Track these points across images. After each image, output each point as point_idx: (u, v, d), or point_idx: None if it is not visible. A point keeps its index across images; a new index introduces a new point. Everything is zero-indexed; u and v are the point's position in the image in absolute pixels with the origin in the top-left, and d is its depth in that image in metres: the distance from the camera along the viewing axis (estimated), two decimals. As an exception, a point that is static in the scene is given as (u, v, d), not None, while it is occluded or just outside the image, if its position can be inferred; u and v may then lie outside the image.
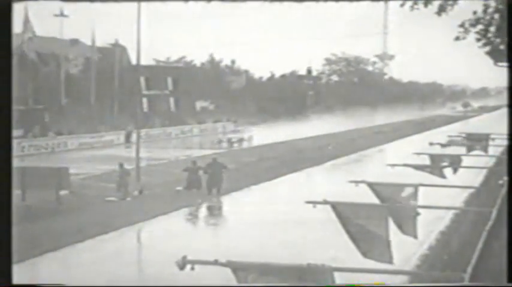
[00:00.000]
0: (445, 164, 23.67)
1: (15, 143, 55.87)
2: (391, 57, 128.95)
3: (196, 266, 9.39)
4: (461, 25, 14.68)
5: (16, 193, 32.32)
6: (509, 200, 9.38)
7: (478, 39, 15.26)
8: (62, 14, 69.54)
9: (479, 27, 14.92)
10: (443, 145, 26.29)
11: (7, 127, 9.27)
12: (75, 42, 74.45)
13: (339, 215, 14.07)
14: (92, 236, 25.69)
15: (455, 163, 24.40)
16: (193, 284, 15.66)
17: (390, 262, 13.70)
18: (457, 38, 14.91)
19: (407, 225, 14.90)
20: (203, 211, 32.54)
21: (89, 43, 74.55)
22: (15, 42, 66.11)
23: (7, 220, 9.27)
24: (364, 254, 13.77)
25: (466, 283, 9.50)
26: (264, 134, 73.70)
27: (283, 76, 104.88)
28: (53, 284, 15.73)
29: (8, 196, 9.30)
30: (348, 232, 13.77)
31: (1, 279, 9.17)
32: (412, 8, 14.08)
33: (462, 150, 29.46)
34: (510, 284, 8.91)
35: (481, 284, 9.26)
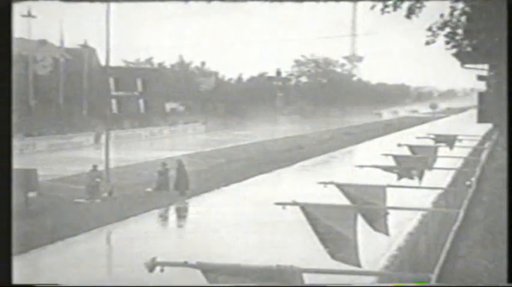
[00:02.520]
0: (412, 165, 23.81)
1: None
2: (360, 59, 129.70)
3: (166, 268, 9.41)
4: (429, 29, 14.81)
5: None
6: (509, 200, 9.47)
7: (447, 42, 15.42)
8: (29, 15, 69.11)
9: (447, 30, 15.08)
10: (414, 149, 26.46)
11: (7, 127, 9.26)
12: (43, 43, 73.99)
13: (308, 216, 14.12)
14: (62, 238, 25.57)
15: (421, 164, 24.56)
16: (165, 285, 15.69)
17: (358, 265, 13.78)
18: (427, 43, 15.04)
19: (378, 223, 15.03)
20: (172, 213, 32.54)
21: (57, 44, 74.20)
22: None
23: (7, 220, 9.24)
24: (332, 256, 13.85)
25: (466, 283, 9.60)
26: (234, 135, 73.86)
27: (252, 78, 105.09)
28: (53, 284, 15.68)
29: (8, 195, 9.28)
30: (317, 233, 13.83)
31: (1, 279, 9.14)
32: (382, 11, 14.18)
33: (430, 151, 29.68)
34: (510, 285, 9.01)
35: (481, 284, 9.36)
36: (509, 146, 9.98)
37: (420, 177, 23.09)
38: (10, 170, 9.50)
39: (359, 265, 13.76)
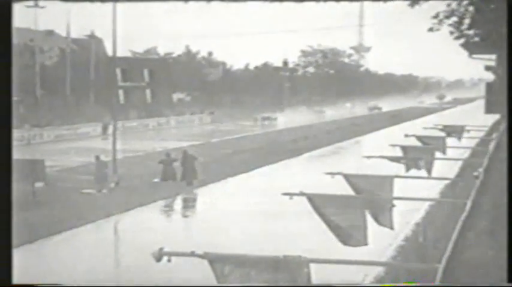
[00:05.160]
0: (419, 156, 23.74)
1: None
2: (367, 49, 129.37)
3: (173, 258, 9.41)
4: (435, 16, 14.71)
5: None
6: (509, 200, 9.45)
7: (452, 32, 15.32)
8: (36, 5, 69.08)
9: (454, 19, 14.98)
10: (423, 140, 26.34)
11: (7, 123, 9.24)
12: (50, 33, 73.98)
13: (315, 206, 14.12)
14: (69, 229, 25.62)
15: (429, 155, 24.50)
16: (170, 276, 15.69)
17: (366, 243, 13.88)
18: (431, 29, 14.94)
19: (383, 216, 14.98)
20: (179, 203, 32.56)
21: (64, 34, 74.19)
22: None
23: (7, 220, 9.22)
24: (344, 243, 13.91)
25: (466, 283, 9.59)
26: (241, 125, 73.84)
27: (259, 68, 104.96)
28: (53, 284, 15.70)
29: (7, 195, 9.26)
30: (326, 222, 13.85)
31: (1, 279, 9.13)
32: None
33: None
34: (510, 284, 8.98)
35: (481, 284, 9.34)
36: (509, 146, 9.98)
37: (428, 168, 23.03)
38: (10, 171, 9.47)
39: (366, 244, 13.83)
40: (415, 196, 19.57)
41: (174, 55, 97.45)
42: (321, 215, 13.96)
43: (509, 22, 9.51)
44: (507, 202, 9.42)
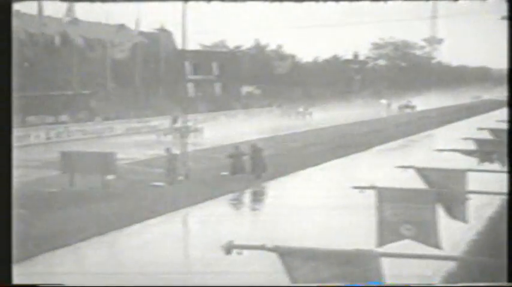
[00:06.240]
0: (493, 149, 23.28)
1: (62, 127, 56.49)
2: (440, 41, 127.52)
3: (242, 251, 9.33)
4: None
5: (64, 177, 32.68)
6: (509, 201, 9.27)
7: None
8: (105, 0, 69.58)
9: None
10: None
11: (7, 126, 9.28)
12: (121, 27, 74.69)
13: (386, 200, 13.94)
14: (139, 221, 25.81)
15: (502, 148, 23.99)
16: (240, 270, 15.64)
17: (437, 246, 13.57)
18: (503, 18, 14.56)
19: (456, 209, 14.71)
20: (248, 196, 32.54)
21: (134, 28, 74.80)
22: (56, 27, 66.72)
23: (7, 221, 9.27)
24: (413, 238, 13.68)
25: (466, 283, 9.37)
26: (310, 118, 73.61)
27: (328, 61, 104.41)
28: (53, 284, 15.82)
29: (8, 196, 9.31)
30: (396, 216, 13.65)
31: (1, 279, 9.19)
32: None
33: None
34: (510, 284, 8.78)
35: (481, 284, 9.12)
36: (510, 146, 9.79)
37: (502, 161, 22.56)
38: (10, 170, 9.49)
39: (439, 247, 13.54)
40: (488, 190, 19.18)
41: (243, 48, 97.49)
42: (392, 209, 13.77)
43: (509, 22, 9.32)
44: (507, 201, 9.27)
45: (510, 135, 9.93)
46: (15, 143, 40.64)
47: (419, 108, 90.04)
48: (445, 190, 14.97)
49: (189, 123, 60.59)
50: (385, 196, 13.99)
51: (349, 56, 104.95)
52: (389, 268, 9.08)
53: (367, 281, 8.66)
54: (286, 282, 9.16)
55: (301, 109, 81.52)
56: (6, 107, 9.11)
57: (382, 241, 13.98)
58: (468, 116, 75.96)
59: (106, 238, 23.49)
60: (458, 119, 74.03)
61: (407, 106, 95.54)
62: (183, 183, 33.99)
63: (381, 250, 8.99)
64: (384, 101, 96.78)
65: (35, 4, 64.79)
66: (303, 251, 8.86)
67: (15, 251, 20.50)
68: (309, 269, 8.71)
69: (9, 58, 9.09)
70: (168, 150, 35.13)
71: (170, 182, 33.43)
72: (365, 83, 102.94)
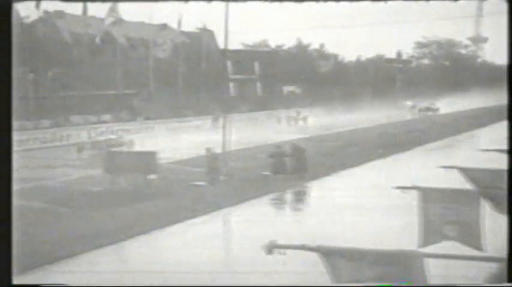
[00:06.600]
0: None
1: (104, 127, 56.90)
2: (485, 39, 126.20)
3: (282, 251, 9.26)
4: None
5: (106, 177, 32.90)
6: (509, 201, 9.11)
7: None
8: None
9: None
10: None
11: (7, 128, 9.28)
12: (163, 27, 75.07)
13: (429, 201, 13.79)
14: (181, 220, 25.85)
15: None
16: (281, 269, 15.57)
17: (480, 248, 13.39)
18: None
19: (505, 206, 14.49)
20: (289, 196, 32.46)
21: (176, 28, 75.11)
22: (100, 27, 67.16)
23: (7, 221, 9.26)
24: (455, 239, 13.52)
25: (466, 283, 9.22)
26: (352, 118, 73.29)
27: (371, 60, 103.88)
28: (54, 284, 15.85)
29: (8, 197, 9.30)
30: (439, 217, 13.50)
31: (1, 279, 9.19)
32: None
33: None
34: (510, 284, 8.63)
35: (481, 284, 8.95)
36: (510, 146, 9.65)
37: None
38: (10, 171, 9.48)
39: (481, 249, 13.37)
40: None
41: (285, 47, 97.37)
42: (434, 209, 13.64)
43: (509, 22, 9.18)
44: (507, 201, 9.12)
45: (510, 134, 9.80)
46: (58, 142, 41.12)
47: (464, 107, 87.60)
48: (487, 190, 14.78)
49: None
50: (429, 197, 13.83)
51: (393, 55, 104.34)
52: (433, 268, 8.96)
53: (411, 281, 8.55)
54: (327, 282, 9.08)
55: (293, 113, 73.54)
56: (6, 108, 9.11)
57: (425, 242, 13.85)
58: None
59: (148, 237, 23.57)
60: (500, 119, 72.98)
61: (428, 109, 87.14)
62: (225, 182, 33.99)
63: (424, 250, 8.84)
64: (409, 103, 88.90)
65: (80, 5, 65.36)
66: (345, 251, 8.77)
67: (60, 250, 20.65)
68: (351, 269, 8.63)
69: (9, 58, 9.09)
70: (208, 150, 35.14)
71: (211, 182, 33.45)
72: (408, 83, 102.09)
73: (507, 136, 10.67)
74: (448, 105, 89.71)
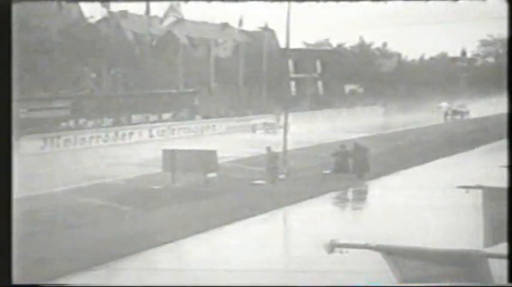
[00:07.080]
0: None
1: (166, 126, 57.24)
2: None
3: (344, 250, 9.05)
4: None
5: (166, 175, 32.99)
6: (509, 201, 8.81)
7: None
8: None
9: None
10: None
11: (7, 130, 9.17)
12: (224, 26, 75.32)
13: (493, 201, 13.44)
14: (240, 219, 25.76)
15: None
16: (341, 268, 15.33)
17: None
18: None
19: None
20: (350, 195, 32.18)
21: (238, 27, 75.30)
22: (161, 26, 67.55)
23: (7, 221, 9.15)
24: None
25: (466, 283, 8.87)
26: (414, 117, 72.60)
27: (435, 59, 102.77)
28: (55, 284, 15.77)
29: (8, 197, 9.19)
30: (503, 215, 13.10)
31: (1, 279, 9.09)
32: None
33: None
34: (510, 284, 8.31)
35: (481, 284, 8.62)
36: (510, 146, 9.40)
37: None
38: (10, 171, 9.35)
39: None
40: None
41: (346, 46, 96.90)
42: (499, 208, 13.29)
43: (509, 22, 8.97)
44: (507, 201, 8.82)
45: (510, 131, 9.55)
46: (119, 141, 41.43)
47: None
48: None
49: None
50: (492, 196, 13.48)
51: (457, 54, 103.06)
52: (499, 268, 8.68)
53: (476, 281, 8.30)
54: (389, 282, 8.88)
55: (271, 120, 63.88)
56: (6, 108, 9.02)
57: (489, 241, 13.50)
58: None
59: (207, 235, 23.52)
60: None
61: (456, 112, 79.90)
62: (284, 181, 33.83)
63: (488, 250, 8.55)
64: (444, 104, 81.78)
65: (143, 5, 65.90)
66: (407, 251, 8.53)
67: (120, 248, 20.70)
68: (413, 268, 8.40)
69: (9, 58, 9.00)
70: (268, 149, 35.00)
71: (271, 181, 33.31)
72: (472, 81, 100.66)
73: (507, 137, 10.48)
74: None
